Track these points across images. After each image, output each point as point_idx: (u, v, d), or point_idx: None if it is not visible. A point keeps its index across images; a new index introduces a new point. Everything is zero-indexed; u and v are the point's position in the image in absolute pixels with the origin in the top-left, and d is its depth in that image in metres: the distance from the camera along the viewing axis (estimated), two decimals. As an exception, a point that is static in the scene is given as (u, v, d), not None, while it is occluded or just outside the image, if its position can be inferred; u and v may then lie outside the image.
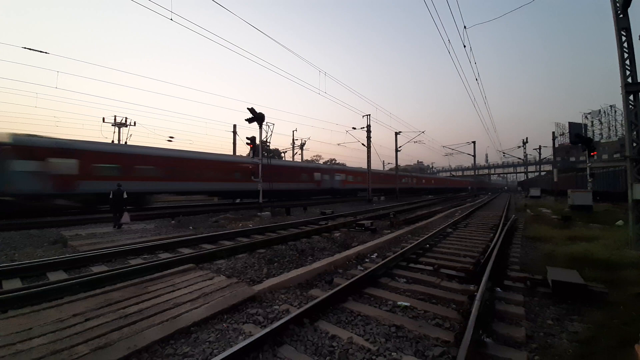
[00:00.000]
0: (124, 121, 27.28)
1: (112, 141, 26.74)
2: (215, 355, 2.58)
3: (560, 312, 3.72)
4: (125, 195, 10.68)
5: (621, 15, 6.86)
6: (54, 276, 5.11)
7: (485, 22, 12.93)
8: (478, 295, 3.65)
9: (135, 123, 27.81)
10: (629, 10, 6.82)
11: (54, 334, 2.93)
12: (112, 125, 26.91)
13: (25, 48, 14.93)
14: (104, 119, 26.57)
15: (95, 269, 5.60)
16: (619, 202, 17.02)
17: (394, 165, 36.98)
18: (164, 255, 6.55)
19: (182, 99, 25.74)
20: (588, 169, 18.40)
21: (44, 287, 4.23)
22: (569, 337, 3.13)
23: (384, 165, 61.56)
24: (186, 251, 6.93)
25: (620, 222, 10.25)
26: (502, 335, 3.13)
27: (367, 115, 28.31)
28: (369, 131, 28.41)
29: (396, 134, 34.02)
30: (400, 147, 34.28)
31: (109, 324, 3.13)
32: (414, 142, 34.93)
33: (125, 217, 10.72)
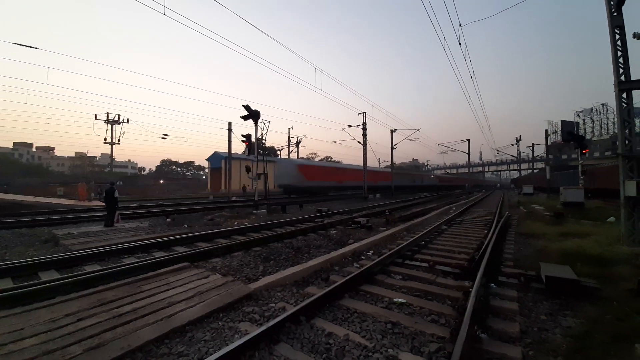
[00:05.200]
0: (116, 118, 26.91)
1: (105, 138, 26.47)
2: (211, 354, 2.56)
3: (554, 308, 3.76)
4: (116, 194, 10.48)
5: (615, 14, 6.92)
6: (46, 276, 5.01)
7: (480, 20, 12.96)
8: (473, 291, 3.67)
9: (128, 120, 27.48)
10: (623, 8, 6.88)
11: (46, 334, 2.88)
12: (105, 122, 26.56)
13: (15, 44, 14.67)
14: (96, 116, 26.17)
15: (88, 268, 5.51)
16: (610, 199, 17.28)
17: (390, 162, 37.10)
18: (159, 254, 6.47)
19: (176, 96, 25.57)
20: (580, 166, 18.67)
21: (36, 287, 4.14)
22: (563, 332, 3.17)
23: (379, 163, 61.75)
24: (181, 249, 6.87)
25: (611, 219, 10.42)
26: (497, 331, 3.16)
27: (362, 113, 28.31)
28: (364, 129, 28.41)
29: (392, 131, 34.08)
30: (395, 144, 34.39)
31: (102, 324, 3.08)
32: (410, 139, 35.02)
33: (117, 216, 10.55)
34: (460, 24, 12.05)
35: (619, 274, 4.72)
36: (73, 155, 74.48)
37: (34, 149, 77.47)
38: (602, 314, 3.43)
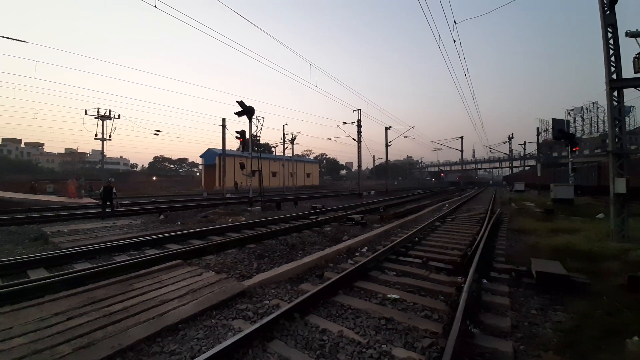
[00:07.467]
0: (107, 114, 26.38)
1: (95, 134, 26.01)
2: (204, 352, 2.53)
3: (544, 302, 3.82)
4: (114, 190, 11.93)
5: (608, 12, 6.96)
6: (35, 274, 4.93)
7: (475, 17, 12.97)
8: (465, 287, 3.70)
9: (119, 116, 26.96)
10: (616, 6, 6.93)
11: (35, 333, 2.83)
12: (95, 117, 26.00)
13: (3, 37, 14.25)
14: (86, 111, 25.60)
15: (78, 266, 5.43)
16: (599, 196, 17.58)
17: (384, 160, 37.22)
18: (151, 252, 6.40)
19: (169, 91, 25.11)
20: (570, 163, 18.95)
21: (24, 286, 4.07)
22: (553, 326, 3.21)
23: (374, 160, 61.86)
24: (174, 247, 6.79)
25: (601, 215, 10.61)
26: (488, 326, 3.19)
27: (357, 109, 28.29)
28: (359, 126, 28.40)
29: (386, 129, 34.13)
30: (390, 142, 34.47)
31: (92, 323, 3.03)
32: (404, 137, 35.23)
33: (116, 205, 12.20)
34: (455, 21, 12.05)
35: (608, 269, 4.80)
36: (63, 151, 73.12)
37: (22, 145, 75.87)
38: (592, 309, 3.47)
